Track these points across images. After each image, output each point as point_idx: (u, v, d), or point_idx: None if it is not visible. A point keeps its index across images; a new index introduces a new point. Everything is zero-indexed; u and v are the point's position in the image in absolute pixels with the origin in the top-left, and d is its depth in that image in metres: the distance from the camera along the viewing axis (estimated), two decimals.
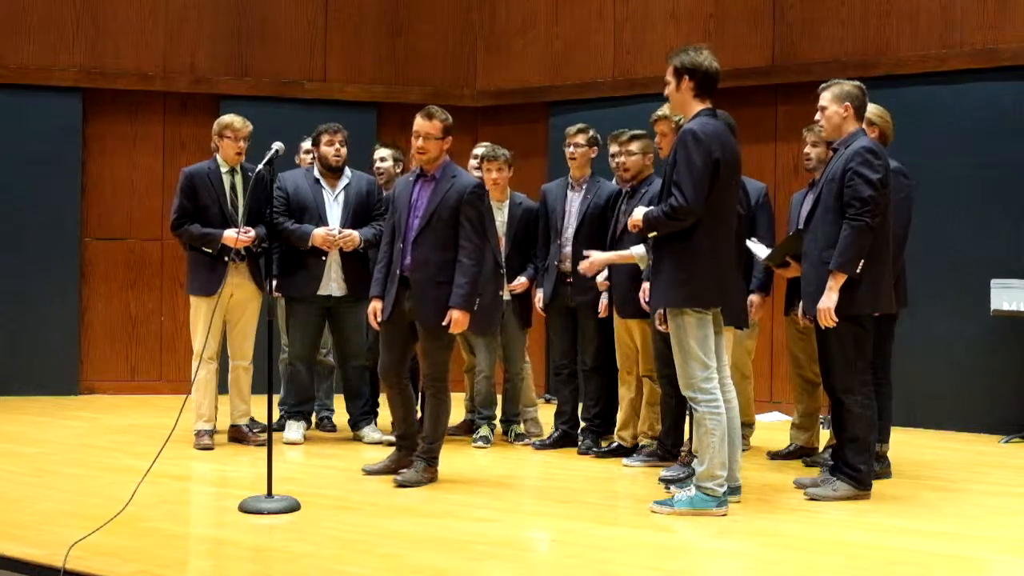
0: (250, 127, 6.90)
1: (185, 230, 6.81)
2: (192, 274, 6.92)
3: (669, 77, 5.29)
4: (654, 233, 5.21)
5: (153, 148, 9.57)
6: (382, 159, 7.47)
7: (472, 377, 7.35)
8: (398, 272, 5.85)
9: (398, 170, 7.47)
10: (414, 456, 5.92)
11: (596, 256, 6.43)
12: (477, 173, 7.05)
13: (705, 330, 5.17)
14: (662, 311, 5.79)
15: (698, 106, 5.26)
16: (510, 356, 7.32)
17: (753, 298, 6.56)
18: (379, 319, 5.94)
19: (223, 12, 9.64)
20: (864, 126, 5.77)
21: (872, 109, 5.93)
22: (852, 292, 5.38)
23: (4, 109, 9.20)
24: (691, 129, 5.14)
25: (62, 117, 9.30)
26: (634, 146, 6.55)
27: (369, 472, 6.05)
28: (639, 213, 5.28)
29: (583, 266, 6.49)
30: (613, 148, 6.64)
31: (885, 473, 6.00)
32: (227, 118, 6.91)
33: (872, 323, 5.55)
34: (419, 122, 5.85)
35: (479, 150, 7.30)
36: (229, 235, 6.71)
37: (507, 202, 7.20)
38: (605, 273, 6.59)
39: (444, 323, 5.73)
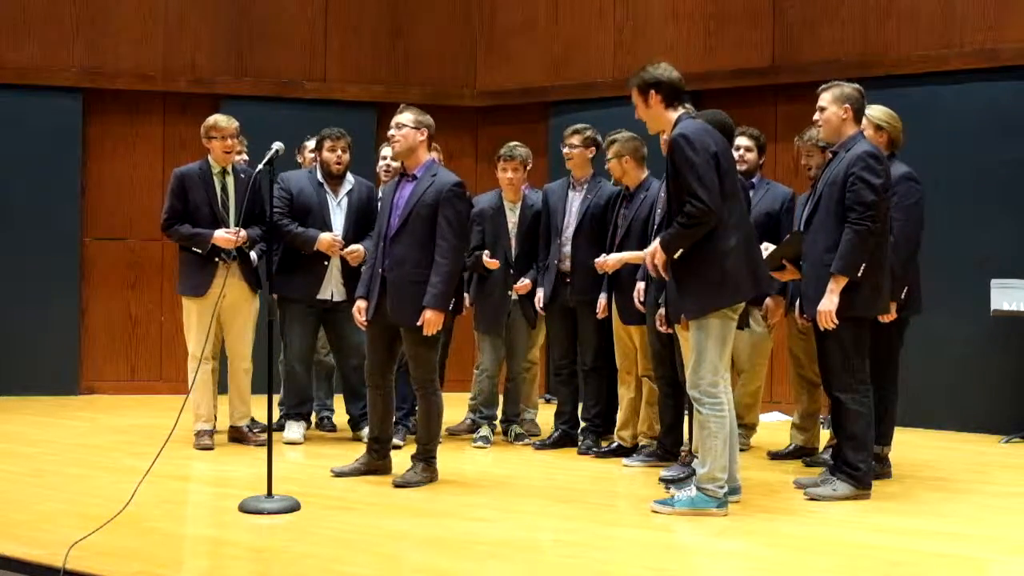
0: (235, 124, 6.89)
1: (175, 231, 6.82)
2: (182, 274, 6.93)
3: (635, 100, 5.29)
4: (681, 251, 5.13)
5: (153, 148, 9.58)
6: (392, 157, 7.44)
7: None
8: (380, 271, 5.85)
9: None
10: (412, 457, 5.93)
11: (611, 257, 6.44)
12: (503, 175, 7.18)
13: (726, 333, 5.15)
14: (663, 311, 5.80)
15: (673, 115, 5.26)
16: (513, 355, 7.34)
17: (768, 302, 6.56)
18: (364, 317, 5.92)
19: (223, 12, 9.64)
20: (872, 131, 5.77)
21: (880, 113, 5.92)
22: (852, 294, 5.38)
23: (4, 109, 9.21)
24: (680, 133, 5.12)
25: (62, 117, 9.30)
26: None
27: (338, 474, 6.00)
28: (654, 247, 5.21)
29: (599, 262, 6.48)
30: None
31: (885, 473, 6.00)
32: (211, 119, 6.91)
33: (870, 324, 5.55)
34: (395, 116, 5.90)
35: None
36: (220, 236, 6.71)
37: (520, 204, 7.21)
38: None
39: (418, 323, 5.70)
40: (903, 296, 5.86)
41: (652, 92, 5.23)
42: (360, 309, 5.93)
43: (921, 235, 5.98)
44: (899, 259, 5.74)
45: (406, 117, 5.85)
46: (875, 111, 5.91)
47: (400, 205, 5.83)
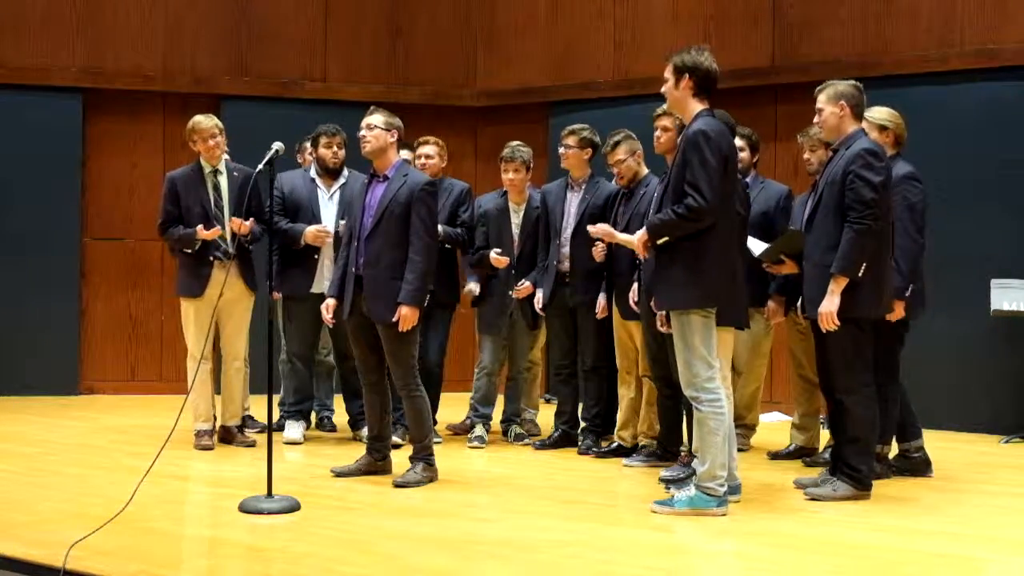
0: (214, 120, 6.90)
1: (170, 234, 6.85)
2: (180, 275, 6.95)
3: (668, 75, 5.27)
4: (664, 239, 5.16)
5: (153, 148, 9.58)
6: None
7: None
8: (354, 271, 5.88)
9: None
10: (411, 457, 5.93)
11: (603, 226, 6.36)
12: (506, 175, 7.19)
13: (710, 329, 5.16)
14: (664, 312, 5.79)
15: (697, 106, 5.25)
16: (514, 355, 7.35)
17: (771, 304, 6.55)
18: (331, 315, 5.96)
19: (223, 12, 9.65)
20: (876, 133, 5.75)
21: (882, 114, 5.91)
22: (854, 295, 5.36)
23: (4, 109, 9.21)
24: (702, 130, 5.11)
25: (62, 117, 9.31)
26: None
27: (339, 474, 6.02)
28: (643, 232, 5.25)
29: (593, 229, 6.36)
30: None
31: (885, 474, 6.00)
32: (191, 122, 6.92)
33: (871, 325, 5.54)
34: (365, 117, 5.94)
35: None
36: (201, 229, 6.70)
37: (524, 205, 7.21)
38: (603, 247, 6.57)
39: (394, 319, 5.72)
40: (908, 295, 5.84)
41: (687, 76, 5.21)
42: (328, 307, 5.98)
43: (925, 235, 5.97)
44: (905, 260, 5.73)
45: (376, 119, 5.89)
46: (877, 112, 5.89)
47: (373, 205, 5.88)
